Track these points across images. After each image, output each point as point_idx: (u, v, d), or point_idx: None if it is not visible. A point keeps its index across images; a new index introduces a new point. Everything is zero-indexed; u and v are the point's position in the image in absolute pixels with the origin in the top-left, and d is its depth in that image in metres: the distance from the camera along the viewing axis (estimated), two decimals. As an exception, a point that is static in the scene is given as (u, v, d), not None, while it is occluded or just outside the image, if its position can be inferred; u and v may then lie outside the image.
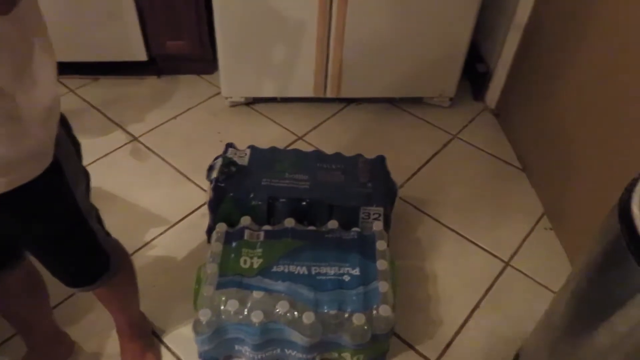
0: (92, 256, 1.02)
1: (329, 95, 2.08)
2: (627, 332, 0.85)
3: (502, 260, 1.62)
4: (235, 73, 2.03)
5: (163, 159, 1.91)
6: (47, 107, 0.77)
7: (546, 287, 1.55)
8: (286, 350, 1.29)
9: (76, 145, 0.93)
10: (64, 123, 0.87)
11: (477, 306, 1.51)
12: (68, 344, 1.35)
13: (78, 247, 0.98)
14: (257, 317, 1.20)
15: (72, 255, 0.99)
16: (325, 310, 1.22)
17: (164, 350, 1.38)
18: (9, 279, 1.07)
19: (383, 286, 1.26)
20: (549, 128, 1.77)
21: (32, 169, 0.78)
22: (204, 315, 1.21)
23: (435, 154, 1.99)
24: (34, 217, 0.87)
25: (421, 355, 1.39)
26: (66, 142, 0.87)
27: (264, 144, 1.63)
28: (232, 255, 1.32)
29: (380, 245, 1.37)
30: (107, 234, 1.06)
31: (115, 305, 1.24)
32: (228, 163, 1.51)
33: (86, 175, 0.98)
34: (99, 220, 1.03)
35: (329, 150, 1.66)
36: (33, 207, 0.85)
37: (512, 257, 1.64)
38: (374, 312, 1.23)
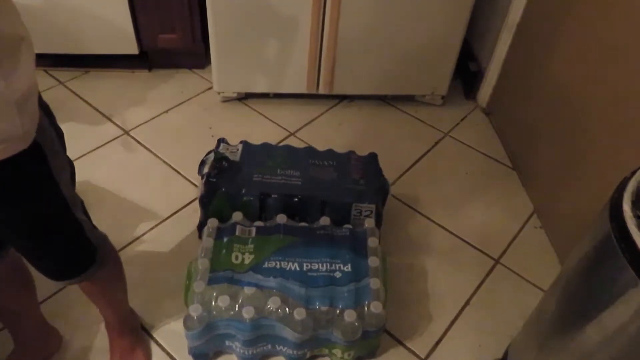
0: (78, 247, 1.00)
1: (321, 91, 2.08)
2: (617, 329, 0.86)
3: (492, 258, 1.64)
4: (227, 68, 2.02)
5: (154, 154, 1.90)
6: (24, 92, 0.76)
7: (535, 285, 1.56)
8: (277, 346, 1.29)
9: (59, 135, 0.92)
10: (47, 112, 0.86)
11: (467, 303, 1.52)
12: (56, 338, 1.34)
13: (64, 236, 0.97)
14: (248, 313, 1.19)
15: (58, 245, 0.97)
16: (317, 307, 1.22)
17: (153, 346, 1.37)
18: None
19: (374, 283, 1.27)
20: (539, 127, 1.79)
21: (2, 150, 0.76)
22: (195, 310, 1.20)
23: (427, 151, 2.00)
24: (17, 204, 0.86)
25: (411, 351, 1.40)
26: (49, 130, 0.86)
27: (256, 139, 1.62)
28: (224, 250, 1.31)
29: (372, 242, 1.37)
30: (94, 227, 1.05)
31: (102, 300, 1.22)
32: (220, 158, 1.50)
33: (70, 165, 0.96)
34: (85, 212, 1.02)
35: (320, 146, 1.66)
36: (16, 194, 0.84)
37: (502, 255, 1.65)
38: (365, 308, 1.24)
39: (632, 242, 0.78)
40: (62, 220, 0.94)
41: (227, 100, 2.15)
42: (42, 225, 0.91)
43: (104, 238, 1.09)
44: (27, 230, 0.91)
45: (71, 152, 0.97)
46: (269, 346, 1.30)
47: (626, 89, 1.35)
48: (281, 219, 1.41)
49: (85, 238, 1.00)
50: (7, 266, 1.09)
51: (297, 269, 1.28)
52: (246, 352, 1.29)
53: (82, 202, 1.01)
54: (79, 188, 1.01)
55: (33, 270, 1.06)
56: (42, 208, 0.89)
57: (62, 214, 0.93)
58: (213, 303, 1.21)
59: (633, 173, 0.87)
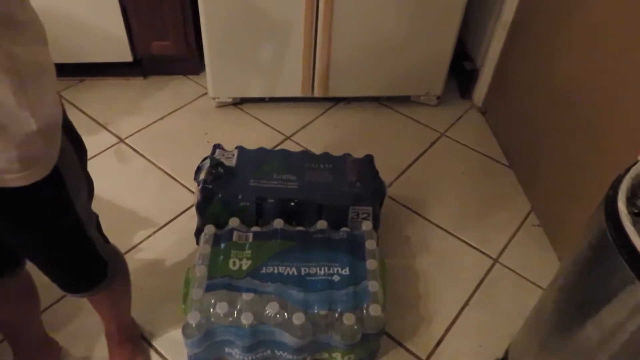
0: (90, 264, 1.03)
1: (316, 94, 2.08)
2: (615, 327, 0.86)
3: (491, 257, 1.63)
4: (222, 73, 2.02)
5: (150, 161, 1.90)
6: (49, 119, 0.77)
7: (534, 284, 1.56)
8: (277, 351, 1.29)
9: (80, 153, 0.92)
10: (68, 132, 0.87)
11: (466, 303, 1.51)
12: (55, 350, 1.34)
13: (76, 255, 0.99)
14: (247, 319, 1.19)
15: (70, 262, 0.99)
16: (316, 311, 1.22)
17: (153, 354, 1.37)
18: (7, 286, 1.07)
19: (373, 286, 1.26)
20: (535, 125, 1.79)
21: (22, 177, 0.77)
22: (194, 318, 1.20)
23: (423, 152, 2.00)
24: (31, 224, 0.87)
25: (412, 353, 1.40)
26: (70, 152, 0.87)
27: (251, 144, 1.62)
28: (221, 257, 1.31)
29: (370, 244, 1.37)
30: (106, 241, 1.07)
31: (107, 309, 1.23)
32: (216, 164, 1.50)
33: (89, 183, 0.98)
34: (98, 227, 1.04)
35: (317, 150, 1.65)
36: (31, 214, 0.85)
37: (500, 254, 1.64)
38: (364, 311, 1.23)
39: (628, 240, 0.78)
40: (75, 239, 0.96)
41: (222, 105, 2.15)
42: (54, 243, 0.93)
43: (115, 252, 1.11)
44: (40, 247, 0.93)
45: (66, 162, 0.97)
46: (269, 352, 1.29)
47: (621, 85, 1.35)
48: (278, 223, 1.40)
49: (97, 255, 1.02)
50: (18, 284, 1.10)
51: (295, 273, 1.28)
52: (246, 358, 1.29)
53: (97, 217, 1.03)
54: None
55: (36, 281, 1.06)
56: (56, 227, 0.91)
57: (75, 233, 0.95)
58: (211, 310, 1.21)
59: (627, 170, 0.87)
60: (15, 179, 0.76)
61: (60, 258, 0.97)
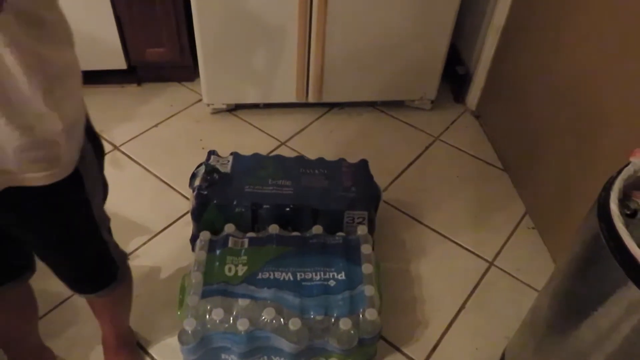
0: (102, 265, 1.04)
1: (311, 100, 2.09)
2: (609, 328, 0.86)
3: (486, 261, 1.64)
4: (216, 80, 2.02)
5: (145, 168, 1.90)
6: (73, 120, 0.78)
7: (530, 286, 1.56)
8: (273, 357, 1.28)
9: (100, 156, 0.94)
10: (90, 134, 0.88)
11: (462, 307, 1.52)
12: (50, 358, 1.33)
13: (89, 255, 1.00)
14: (243, 325, 1.19)
15: (83, 262, 1.00)
16: (312, 316, 1.22)
17: (149, 362, 1.37)
18: (10, 293, 1.06)
19: (369, 290, 1.26)
20: (529, 128, 1.80)
21: (45, 177, 0.77)
22: (189, 324, 1.19)
23: (418, 156, 2.00)
24: (48, 224, 0.88)
25: (408, 357, 1.40)
26: (90, 154, 0.88)
27: (246, 150, 1.62)
28: (217, 263, 1.31)
29: (365, 249, 1.37)
30: (117, 245, 1.07)
31: (108, 316, 1.24)
32: (211, 170, 1.50)
33: (104, 186, 1.00)
34: (109, 231, 1.05)
35: (312, 155, 1.66)
36: (49, 215, 0.86)
37: (496, 257, 1.65)
38: (360, 316, 1.23)
39: (621, 241, 0.78)
40: (90, 241, 0.97)
41: (217, 112, 2.15)
42: (69, 242, 0.94)
43: (125, 257, 1.12)
44: (55, 246, 0.94)
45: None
46: (265, 358, 1.29)
47: (614, 87, 1.36)
48: (274, 229, 1.41)
49: (109, 257, 1.03)
50: (18, 292, 1.10)
51: (291, 278, 1.28)
52: (243, 365, 1.29)
53: (109, 221, 1.04)
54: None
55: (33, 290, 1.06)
56: (72, 227, 0.92)
57: (90, 235, 0.96)
58: (207, 316, 1.21)
59: (619, 172, 0.88)
60: (38, 179, 0.77)
61: (74, 257, 0.98)
